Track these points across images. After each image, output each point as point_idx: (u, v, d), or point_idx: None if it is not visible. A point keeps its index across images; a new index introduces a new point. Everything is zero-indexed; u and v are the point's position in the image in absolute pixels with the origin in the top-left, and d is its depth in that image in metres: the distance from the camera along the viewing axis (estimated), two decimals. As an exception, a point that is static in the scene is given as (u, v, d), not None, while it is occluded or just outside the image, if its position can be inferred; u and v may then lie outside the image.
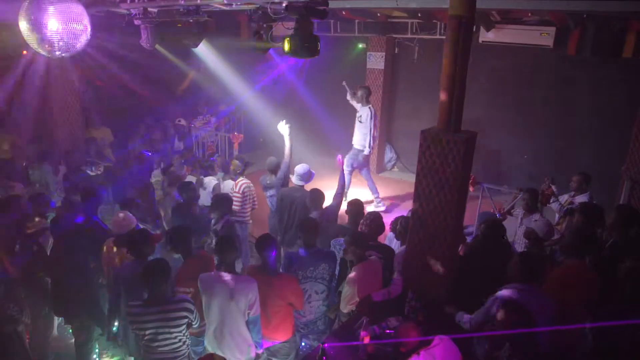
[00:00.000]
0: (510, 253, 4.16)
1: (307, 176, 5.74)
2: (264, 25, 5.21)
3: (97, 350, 4.85)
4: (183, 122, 9.57)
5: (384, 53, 9.74)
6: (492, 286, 3.62)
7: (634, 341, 3.25)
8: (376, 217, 4.66)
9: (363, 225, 4.61)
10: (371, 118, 7.91)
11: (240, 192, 6.09)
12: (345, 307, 4.07)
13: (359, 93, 8.06)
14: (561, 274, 3.82)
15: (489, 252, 4.23)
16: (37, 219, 4.96)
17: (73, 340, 4.55)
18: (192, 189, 5.74)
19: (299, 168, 5.73)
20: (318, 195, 5.17)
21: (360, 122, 8.06)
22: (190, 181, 6.27)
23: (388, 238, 5.17)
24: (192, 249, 4.26)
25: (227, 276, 3.69)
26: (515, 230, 5.29)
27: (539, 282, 3.61)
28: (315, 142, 10.19)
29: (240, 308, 3.65)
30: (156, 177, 7.11)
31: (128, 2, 5.87)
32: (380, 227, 4.66)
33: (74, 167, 6.92)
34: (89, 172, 7.09)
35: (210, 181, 7.05)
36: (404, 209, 5.13)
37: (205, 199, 6.55)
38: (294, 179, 5.75)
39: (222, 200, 5.29)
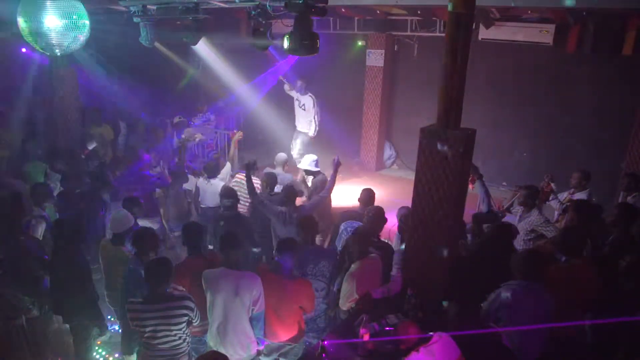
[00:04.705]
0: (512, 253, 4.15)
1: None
2: (263, 23, 5.20)
3: (97, 349, 4.86)
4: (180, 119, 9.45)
5: (383, 50, 9.73)
6: (494, 284, 3.62)
7: (634, 337, 3.26)
8: (379, 211, 4.67)
9: (366, 220, 4.61)
10: (313, 106, 8.92)
11: None
12: (345, 305, 4.07)
13: (299, 84, 9.00)
14: (563, 272, 3.82)
15: (495, 254, 4.18)
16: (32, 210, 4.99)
17: (72, 338, 4.57)
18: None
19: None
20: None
21: (303, 109, 9.07)
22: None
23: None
24: (199, 248, 4.23)
25: (231, 273, 3.70)
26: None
27: (541, 279, 3.60)
28: (314, 138, 10.16)
29: (245, 304, 3.66)
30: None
31: (127, -1, 5.85)
32: (383, 222, 4.68)
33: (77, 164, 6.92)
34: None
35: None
36: (404, 207, 5.11)
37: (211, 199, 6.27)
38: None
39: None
